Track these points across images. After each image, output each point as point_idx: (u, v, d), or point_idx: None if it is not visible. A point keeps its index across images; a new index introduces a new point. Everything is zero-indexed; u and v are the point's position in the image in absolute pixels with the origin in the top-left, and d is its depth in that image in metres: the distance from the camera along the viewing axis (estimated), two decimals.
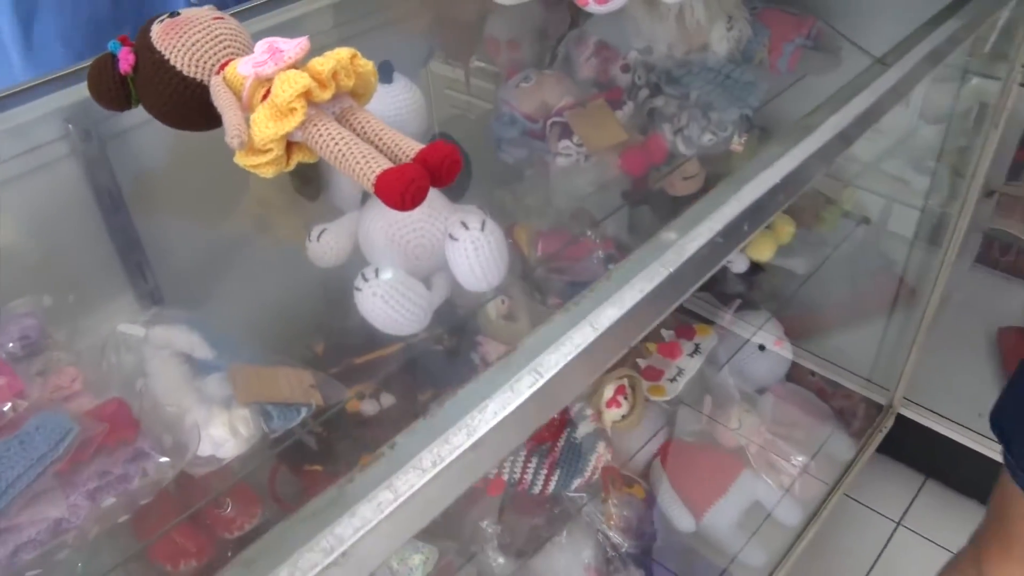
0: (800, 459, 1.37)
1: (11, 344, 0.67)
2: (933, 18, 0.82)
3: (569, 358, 0.42)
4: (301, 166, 0.62)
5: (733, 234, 0.53)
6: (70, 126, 0.73)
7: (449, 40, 1.08)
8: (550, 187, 1.04)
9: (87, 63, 0.77)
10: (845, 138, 0.62)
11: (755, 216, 0.55)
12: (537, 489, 0.94)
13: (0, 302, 0.69)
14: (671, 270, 0.48)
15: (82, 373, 0.65)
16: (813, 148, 0.59)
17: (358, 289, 0.66)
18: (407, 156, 0.54)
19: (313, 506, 0.36)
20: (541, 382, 0.41)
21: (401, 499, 0.35)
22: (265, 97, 0.54)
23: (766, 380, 1.43)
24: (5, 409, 0.61)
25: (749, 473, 1.35)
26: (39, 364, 0.66)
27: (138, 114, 0.66)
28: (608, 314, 0.45)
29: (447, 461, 0.37)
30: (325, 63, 0.53)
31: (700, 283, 0.53)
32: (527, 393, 0.40)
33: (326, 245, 0.70)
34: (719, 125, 0.99)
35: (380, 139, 0.56)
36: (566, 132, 0.94)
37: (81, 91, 0.76)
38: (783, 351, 1.42)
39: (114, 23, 0.88)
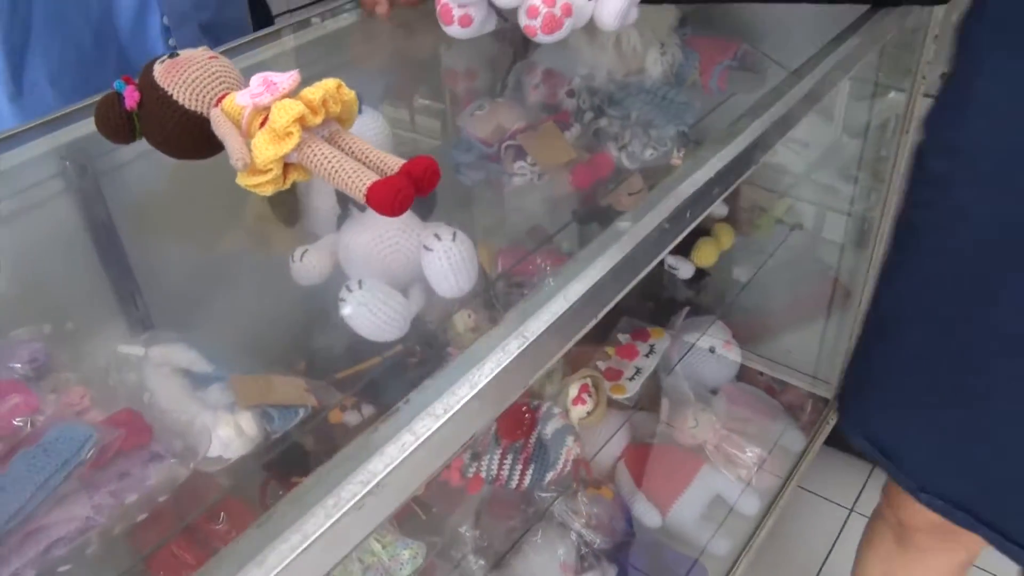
0: (756, 452, 1.46)
1: (21, 366, 0.72)
2: (840, 35, 0.93)
3: (547, 324, 0.50)
4: (279, 197, 0.70)
5: (677, 221, 0.62)
6: (67, 163, 0.79)
7: (401, 78, 1.16)
8: (507, 206, 1.12)
9: (79, 105, 0.84)
10: (766, 140, 0.72)
11: (695, 206, 0.64)
12: (514, 484, 1.01)
13: (2, 332, 0.74)
14: (626, 251, 0.57)
15: (89, 391, 0.71)
16: (739, 150, 0.69)
17: (343, 300, 0.73)
18: (392, 169, 0.62)
19: (347, 451, 0.43)
20: (527, 344, 0.49)
21: (420, 440, 0.43)
22: (263, 124, 0.61)
23: (718, 380, 1.52)
24: (22, 423, 0.66)
25: (708, 468, 1.44)
26: (50, 384, 0.72)
27: (130, 150, 0.72)
28: (576, 288, 0.54)
29: (455, 408, 0.45)
30: (316, 92, 0.61)
31: (652, 264, 0.62)
32: (516, 352, 0.48)
33: (308, 264, 0.77)
34: (659, 141, 1.08)
35: (366, 156, 0.64)
36: (520, 154, 1.02)
37: (75, 130, 0.83)
38: (732, 353, 1.51)
39: (98, 64, 0.93)
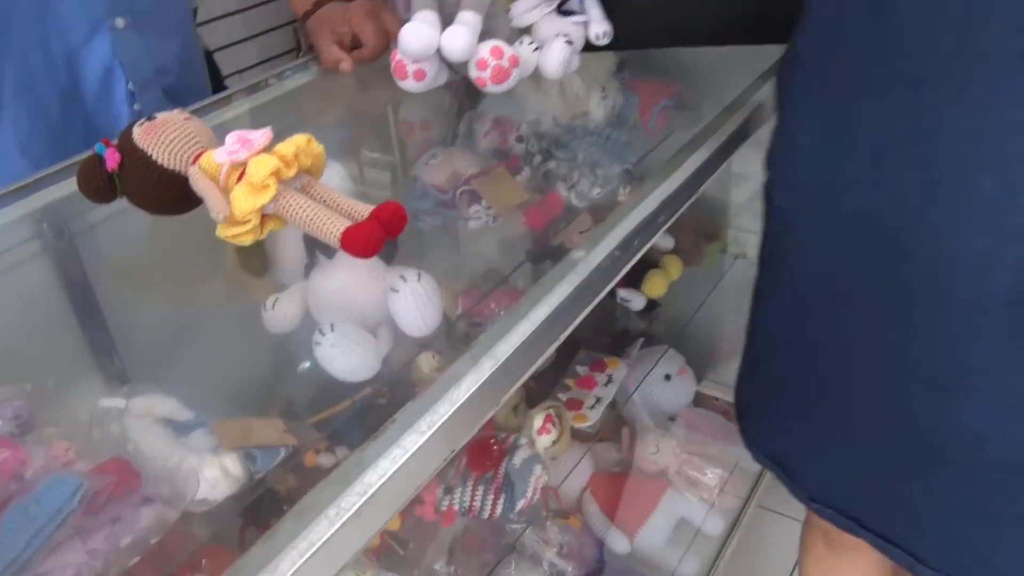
0: (717, 474, 1.51)
1: (5, 423, 0.74)
2: (766, 72, 1.01)
3: (516, 345, 0.56)
4: (250, 249, 0.74)
5: (626, 249, 0.68)
6: (44, 225, 0.82)
7: (360, 132, 1.21)
8: (465, 249, 1.17)
9: (51, 169, 0.88)
10: (703, 172, 0.79)
11: (642, 235, 0.70)
12: (486, 514, 1.05)
13: None
14: (583, 277, 0.62)
15: (74, 445, 0.73)
16: (678, 182, 0.75)
17: (317, 343, 0.77)
18: (363, 215, 0.67)
19: (342, 468, 0.47)
20: (498, 364, 0.54)
21: (408, 453, 0.47)
22: (240, 178, 0.66)
23: (676, 407, 1.57)
24: (12, 477, 0.68)
25: (672, 492, 1.49)
26: (35, 439, 0.74)
27: (104, 209, 0.76)
28: (540, 312, 0.59)
29: (438, 424, 0.49)
30: (288, 147, 0.66)
31: (606, 289, 0.67)
32: (488, 372, 0.53)
33: (280, 312, 0.81)
34: (606, 180, 1.14)
35: (338, 204, 0.68)
36: (474, 198, 1.08)
37: (50, 194, 0.86)
38: (687, 379, 1.57)
39: (66, 130, 0.97)
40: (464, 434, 0.54)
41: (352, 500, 0.45)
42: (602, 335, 1.58)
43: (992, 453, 0.75)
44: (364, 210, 0.68)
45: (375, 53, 1.11)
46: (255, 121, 1.11)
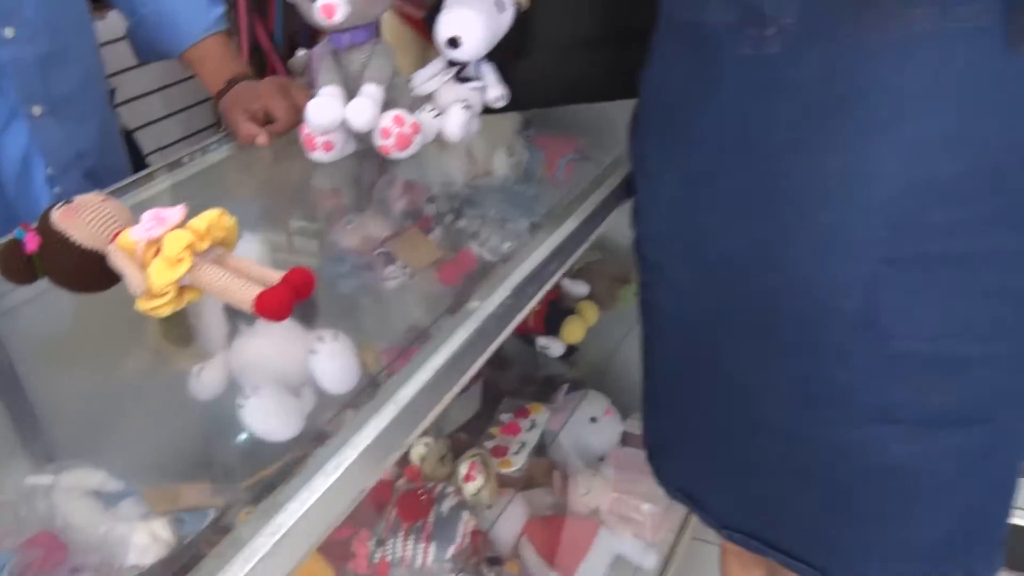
0: (649, 509, 1.56)
1: None
2: None
3: (415, 391, 0.61)
4: (173, 320, 0.78)
5: (520, 296, 0.74)
6: None
7: (276, 203, 1.26)
8: (384, 308, 1.21)
9: None
10: (594, 220, 0.85)
11: (536, 281, 0.76)
12: (419, 562, 1.08)
13: None
14: (478, 324, 0.68)
15: (2, 523, 0.75)
16: (570, 230, 0.82)
17: (240, 406, 0.80)
18: (274, 281, 0.72)
19: (255, 512, 0.51)
20: (400, 409, 0.59)
21: (317, 495, 0.52)
22: (157, 253, 0.70)
23: (604, 447, 1.62)
24: None
25: (605, 531, 1.53)
26: None
27: (26, 290, 0.79)
28: (438, 359, 0.64)
29: (344, 466, 0.54)
30: (201, 221, 0.71)
31: (504, 333, 0.73)
32: (390, 417, 0.58)
33: (206, 379, 0.84)
34: (515, 234, 1.20)
35: (250, 273, 0.73)
36: (390, 259, 1.13)
37: None
38: (613, 420, 1.63)
39: None
40: (372, 476, 0.58)
41: (263, 541, 0.49)
42: (528, 384, 1.64)
43: (873, 460, 0.82)
44: (276, 276, 0.73)
45: (287, 127, 1.17)
46: (175, 198, 1.15)
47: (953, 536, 0.86)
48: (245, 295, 0.70)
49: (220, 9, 1.24)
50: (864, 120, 0.70)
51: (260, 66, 2.18)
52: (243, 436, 0.81)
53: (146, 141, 1.76)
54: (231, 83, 1.20)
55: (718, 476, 0.97)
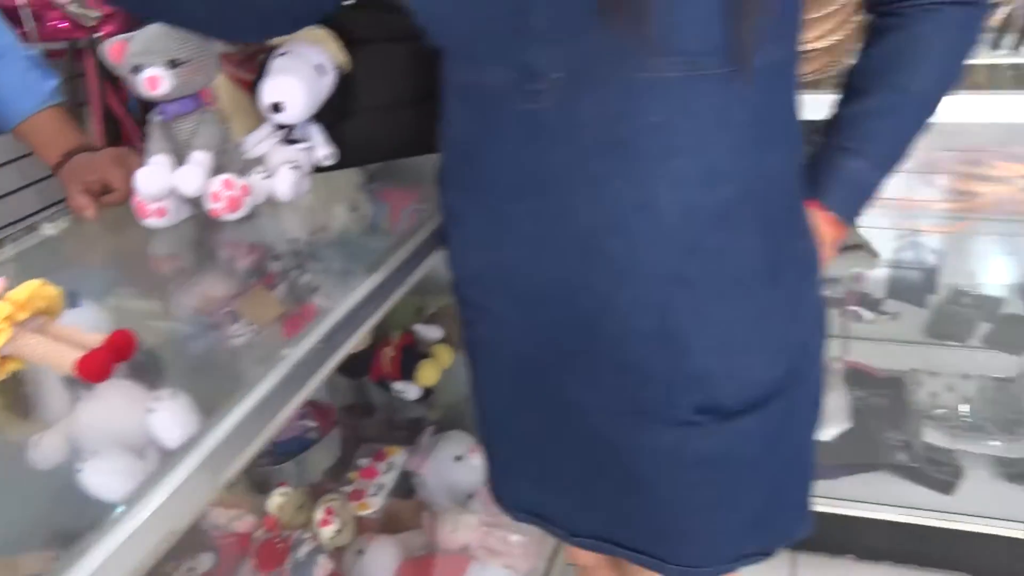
0: (518, 539, 1.61)
1: None
2: None
3: (221, 439, 0.65)
4: (9, 392, 0.81)
5: (331, 342, 0.79)
6: None
7: (118, 271, 1.27)
8: (232, 365, 1.24)
9: None
10: (410, 264, 0.92)
11: (347, 327, 0.82)
12: None
13: None
14: (288, 369, 0.73)
15: None
16: (384, 275, 0.88)
17: (78, 471, 0.83)
18: (96, 344, 0.75)
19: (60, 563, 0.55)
20: (203, 458, 0.63)
21: (119, 542, 0.56)
22: None
23: (472, 484, 1.67)
24: None
25: (476, 565, 1.58)
26: None
27: None
28: (245, 406, 0.69)
29: (146, 517, 0.58)
30: (21, 292, 0.75)
31: (319, 376, 0.78)
32: (194, 466, 0.63)
33: (47, 447, 0.86)
34: (356, 284, 1.25)
35: (72, 338, 0.77)
36: (235, 317, 1.16)
37: None
38: (478, 457, 1.69)
39: None
40: (180, 521, 0.62)
41: None
42: (395, 428, 1.69)
43: (685, 457, 0.91)
44: (97, 340, 0.77)
45: (124, 197, 1.20)
46: (16, 268, 1.17)
47: (766, 507, 0.96)
48: (65, 360, 0.74)
49: (52, 82, 1.26)
50: (639, 156, 0.79)
51: (115, 134, 2.18)
52: (84, 500, 0.84)
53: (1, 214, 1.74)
54: (68, 155, 1.23)
55: (561, 491, 1.04)
